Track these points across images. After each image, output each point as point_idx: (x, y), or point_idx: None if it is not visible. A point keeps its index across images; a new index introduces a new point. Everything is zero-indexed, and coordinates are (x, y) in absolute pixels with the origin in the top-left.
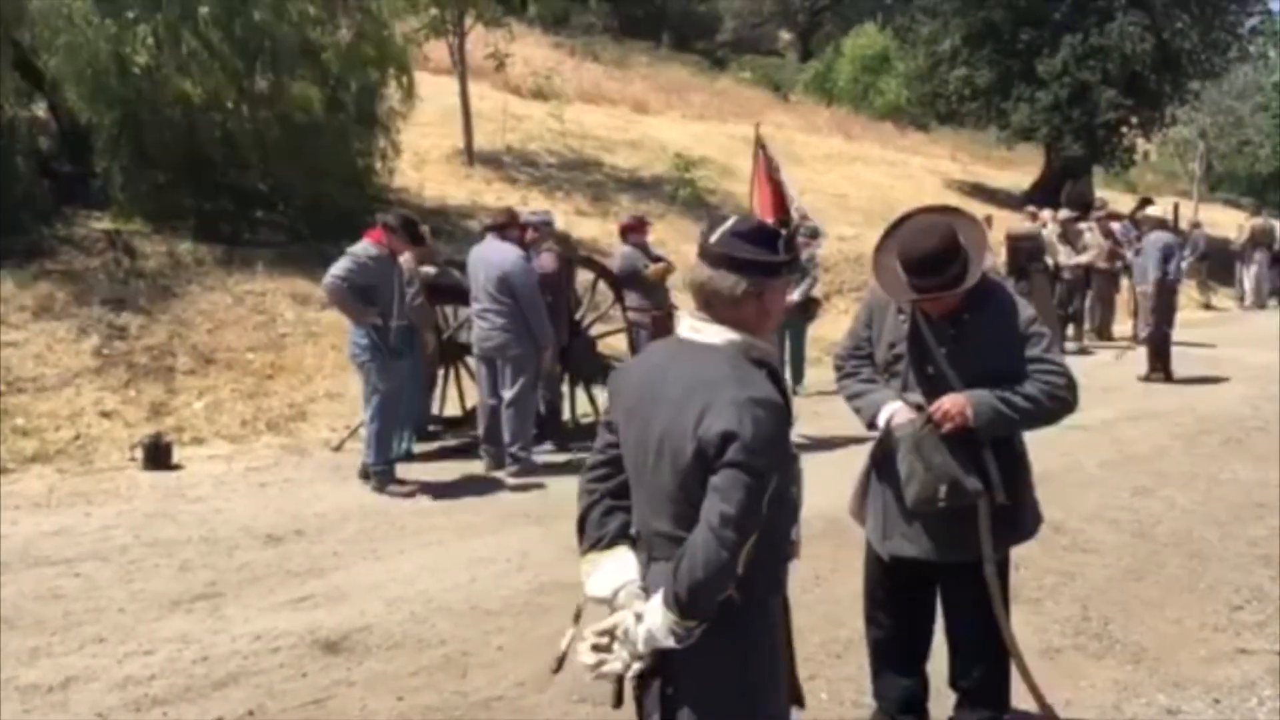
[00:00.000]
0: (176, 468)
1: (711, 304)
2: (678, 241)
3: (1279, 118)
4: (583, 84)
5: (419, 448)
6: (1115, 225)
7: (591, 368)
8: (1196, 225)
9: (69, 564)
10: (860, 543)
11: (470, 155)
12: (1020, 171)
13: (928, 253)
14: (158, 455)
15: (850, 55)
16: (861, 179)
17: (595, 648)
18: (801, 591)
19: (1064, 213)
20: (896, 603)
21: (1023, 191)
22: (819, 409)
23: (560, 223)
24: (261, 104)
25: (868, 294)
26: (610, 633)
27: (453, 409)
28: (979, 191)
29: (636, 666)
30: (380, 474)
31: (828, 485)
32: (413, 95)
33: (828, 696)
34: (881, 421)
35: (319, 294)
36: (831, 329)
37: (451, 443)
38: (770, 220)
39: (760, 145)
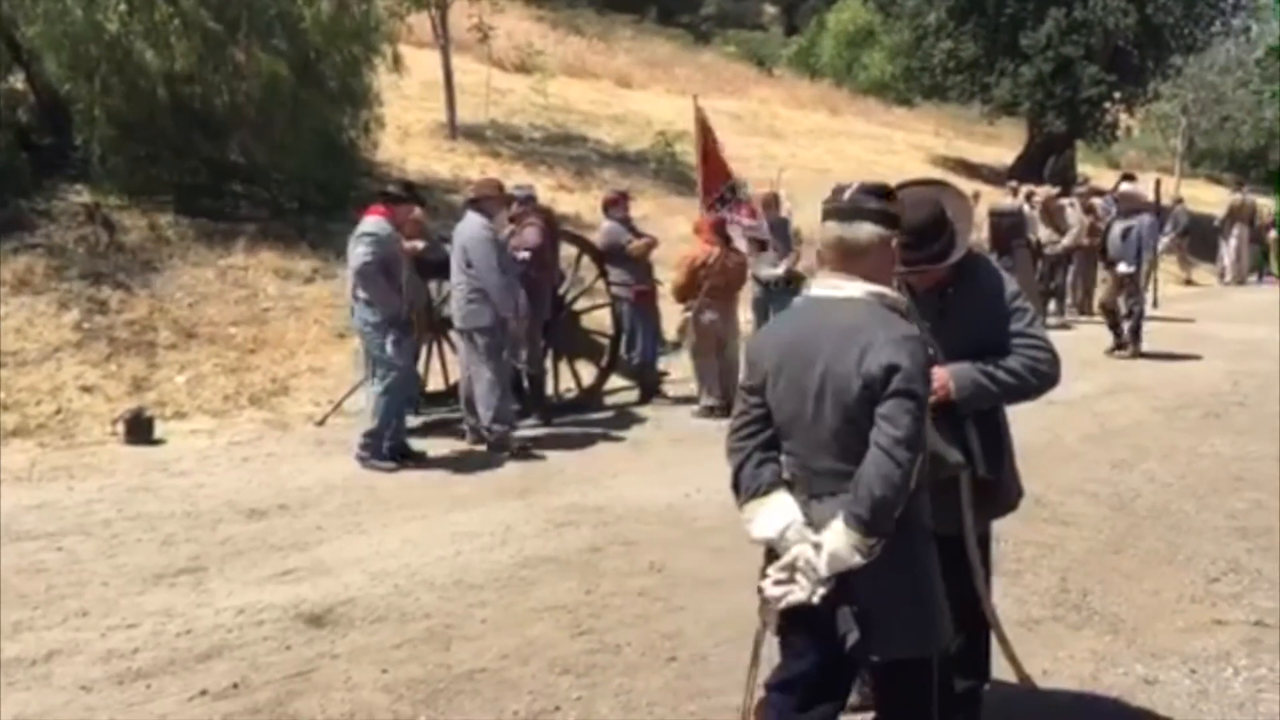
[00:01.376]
0: (159, 442)
1: (848, 256)
2: (661, 216)
3: (1260, 94)
4: (566, 57)
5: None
6: (1097, 201)
7: (575, 342)
8: (1179, 201)
9: (51, 538)
10: None
11: (453, 129)
12: (1004, 146)
13: (915, 225)
14: (139, 430)
15: (835, 29)
16: (845, 153)
17: (777, 583)
18: None
19: (1044, 189)
20: None
21: (1006, 166)
22: None
23: (543, 197)
24: (241, 76)
25: None
26: (790, 566)
27: (436, 383)
28: (962, 166)
29: (821, 591)
30: (369, 445)
31: None
32: (398, 69)
33: None
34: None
35: (301, 268)
36: None
37: (434, 416)
38: (717, 188)
39: (700, 119)
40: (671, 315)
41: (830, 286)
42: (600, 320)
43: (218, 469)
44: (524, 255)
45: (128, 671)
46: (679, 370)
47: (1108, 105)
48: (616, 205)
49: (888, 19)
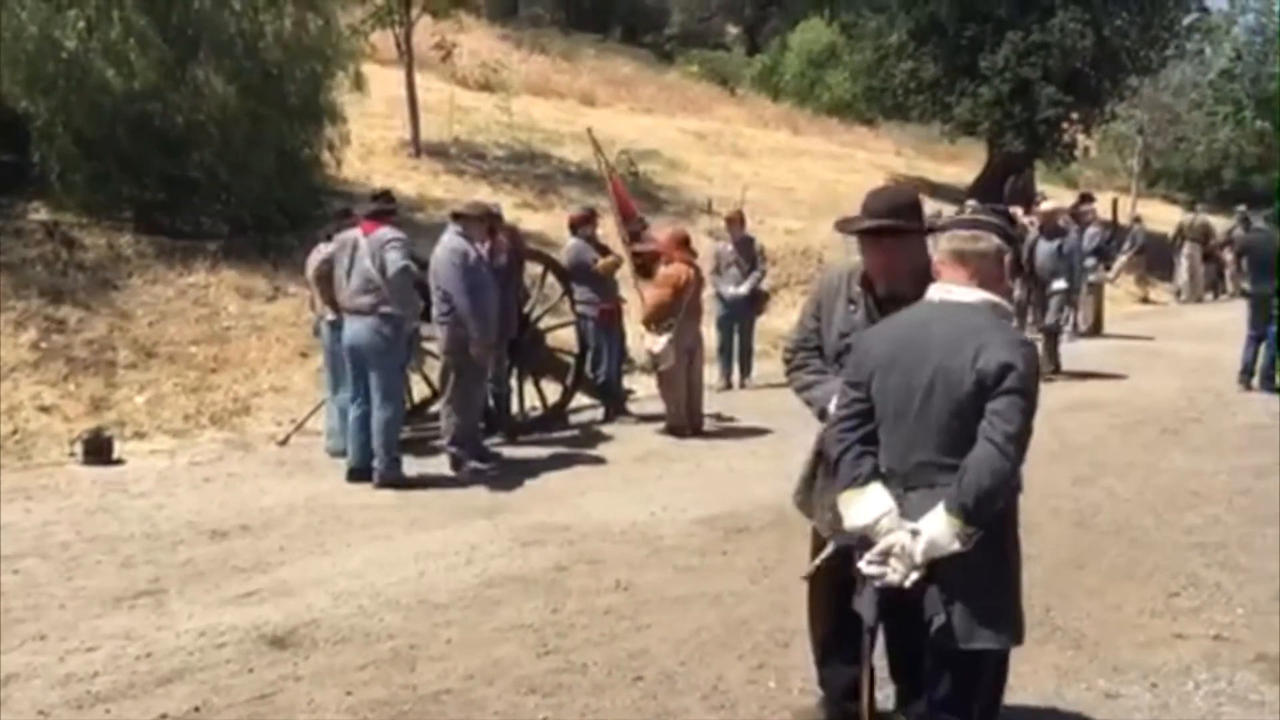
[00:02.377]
0: (118, 463)
1: (963, 263)
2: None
3: (1214, 115)
4: (530, 76)
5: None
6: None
7: (539, 361)
8: (1137, 220)
9: (8, 560)
10: (807, 533)
11: (417, 147)
12: (964, 166)
13: (890, 193)
14: (98, 450)
15: (797, 50)
16: (808, 173)
17: (872, 563)
18: (749, 582)
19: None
20: (847, 592)
21: (967, 186)
22: (767, 402)
23: (507, 216)
24: (201, 93)
25: (816, 286)
26: (887, 551)
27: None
28: (923, 186)
29: (914, 576)
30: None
31: (774, 478)
32: (360, 86)
33: (775, 685)
34: (832, 410)
35: (263, 286)
36: (779, 321)
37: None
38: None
39: (598, 151)
40: (640, 334)
41: (945, 290)
42: (565, 339)
43: (178, 489)
44: None
45: (86, 696)
46: (643, 388)
47: (1065, 126)
48: (585, 224)
49: (850, 39)
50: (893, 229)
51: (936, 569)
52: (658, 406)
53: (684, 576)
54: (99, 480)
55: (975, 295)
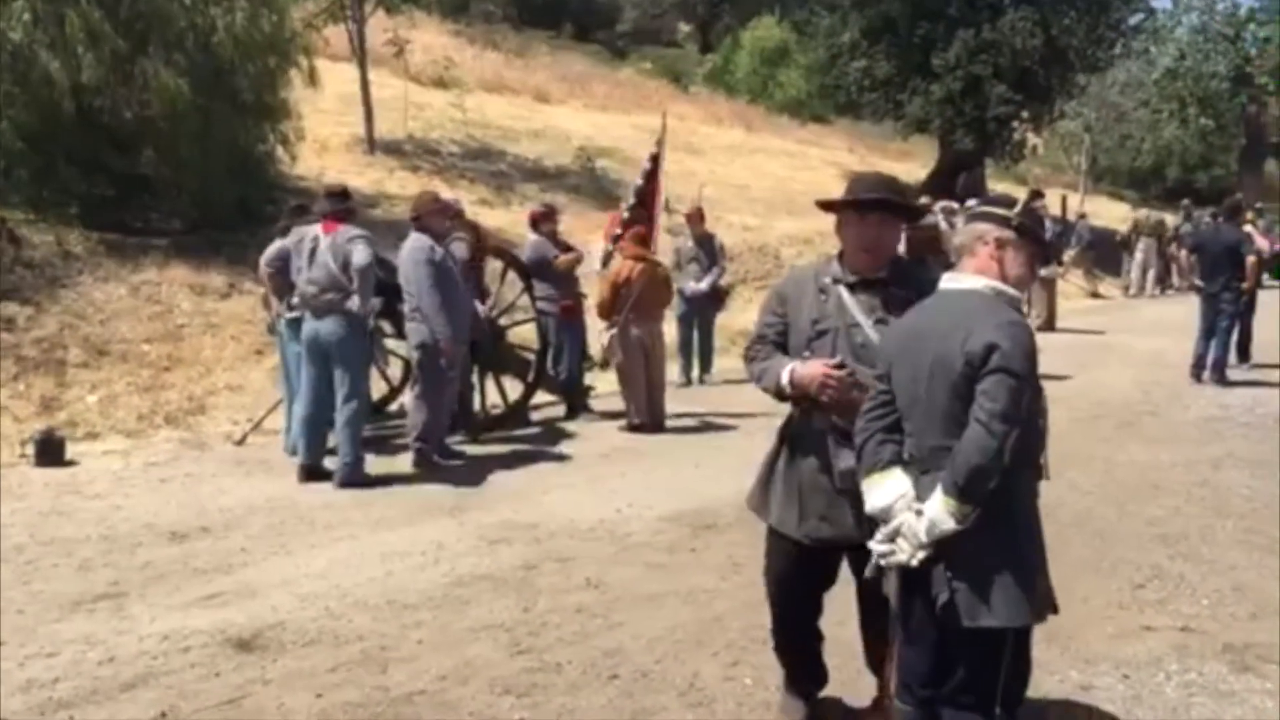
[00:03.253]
0: (71, 464)
1: (972, 254)
2: (583, 231)
3: (1159, 113)
4: (484, 73)
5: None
6: None
7: (501, 358)
8: (1083, 216)
9: None
10: None
11: (371, 143)
12: (916, 163)
13: (877, 175)
14: (50, 451)
15: (749, 48)
16: (762, 170)
17: (882, 542)
18: (720, 579)
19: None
20: (810, 587)
21: (918, 183)
22: (728, 398)
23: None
24: (150, 88)
25: (780, 283)
26: (896, 531)
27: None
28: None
29: (920, 555)
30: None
31: (739, 474)
32: (314, 82)
33: (752, 682)
34: (785, 379)
35: (217, 283)
36: (739, 318)
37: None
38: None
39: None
40: (597, 331)
41: (952, 280)
42: (526, 336)
43: (134, 491)
44: None
45: (49, 702)
46: (605, 385)
47: (1015, 124)
48: (545, 220)
49: (802, 38)
50: (887, 203)
51: (944, 548)
52: (620, 403)
53: (654, 574)
54: (52, 482)
55: (977, 281)
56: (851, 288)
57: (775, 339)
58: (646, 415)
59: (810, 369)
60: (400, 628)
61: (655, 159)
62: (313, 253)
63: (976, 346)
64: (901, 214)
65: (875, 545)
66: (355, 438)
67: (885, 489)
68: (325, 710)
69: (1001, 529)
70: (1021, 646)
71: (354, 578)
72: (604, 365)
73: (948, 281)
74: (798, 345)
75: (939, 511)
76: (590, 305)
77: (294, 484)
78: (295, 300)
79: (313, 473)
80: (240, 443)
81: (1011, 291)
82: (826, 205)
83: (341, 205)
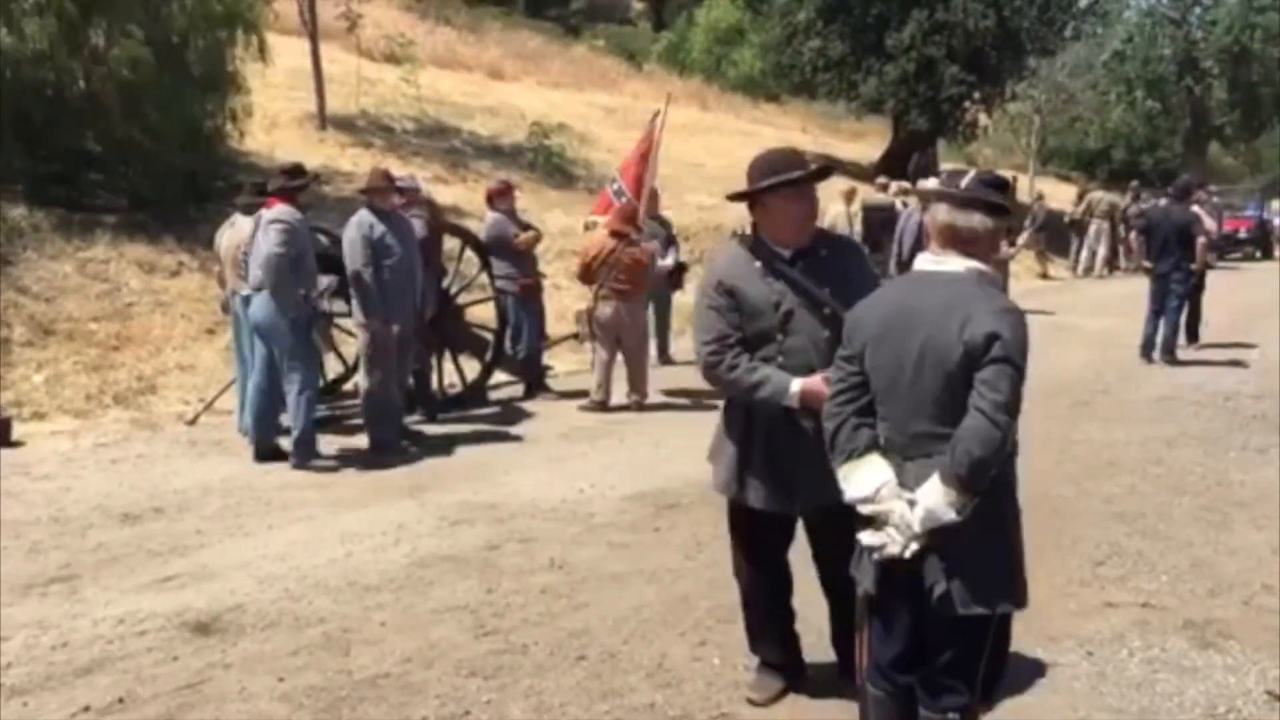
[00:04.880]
0: (17, 445)
1: (959, 240)
2: (539, 209)
3: (1106, 95)
4: (436, 49)
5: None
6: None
7: (459, 337)
8: (1039, 198)
9: None
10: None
11: (323, 119)
12: (869, 144)
13: (784, 149)
14: None
15: (704, 26)
16: (717, 148)
17: (873, 533)
18: (684, 558)
19: (896, 185)
20: (780, 553)
21: (872, 163)
22: (689, 376)
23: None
24: (98, 61)
25: (711, 274)
26: (885, 520)
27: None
28: (830, 162)
29: (914, 546)
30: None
31: (700, 453)
32: (265, 55)
33: (720, 661)
34: (795, 394)
35: (166, 261)
36: (691, 297)
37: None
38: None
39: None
40: (560, 309)
41: (933, 262)
42: (484, 314)
43: (84, 472)
44: None
45: (2, 688)
46: (563, 364)
47: (968, 105)
48: (503, 197)
49: (757, 16)
50: (820, 174)
51: (934, 537)
52: (578, 383)
53: (618, 554)
54: None
55: (962, 265)
56: (792, 262)
57: (738, 339)
58: (603, 398)
59: (821, 388)
60: (362, 609)
61: (648, 140)
62: (255, 233)
63: (978, 335)
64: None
65: (865, 538)
66: (305, 419)
67: (865, 477)
68: (287, 694)
69: (990, 515)
70: (1003, 631)
71: (313, 559)
72: (576, 338)
73: (929, 264)
74: (764, 330)
75: (937, 502)
76: (548, 284)
77: (249, 464)
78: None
79: (268, 452)
80: (192, 423)
81: (993, 273)
82: (767, 189)
83: (289, 184)
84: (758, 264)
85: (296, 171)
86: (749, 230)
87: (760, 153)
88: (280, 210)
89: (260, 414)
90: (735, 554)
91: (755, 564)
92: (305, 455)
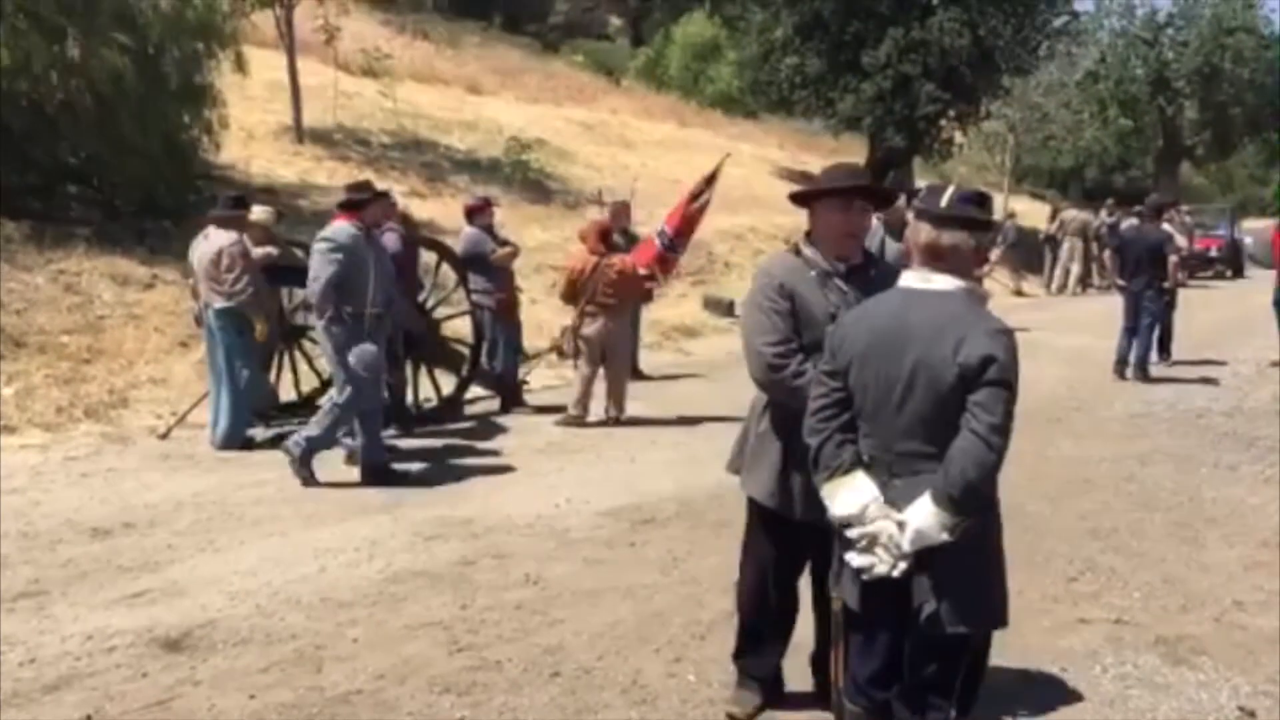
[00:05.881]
0: None
1: (941, 257)
2: (518, 224)
3: (1080, 114)
4: (414, 63)
5: (259, 434)
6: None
7: (434, 352)
8: (1010, 216)
9: None
10: (713, 524)
11: (300, 132)
12: (845, 161)
13: (849, 165)
14: None
15: (681, 42)
16: (694, 164)
17: (860, 553)
18: (660, 574)
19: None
20: (798, 573)
21: None
22: (664, 393)
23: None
24: (74, 72)
25: (769, 275)
26: (872, 539)
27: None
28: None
29: (902, 566)
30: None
31: (676, 468)
32: (242, 68)
33: (695, 678)
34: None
35: (139, 274)
36: (670, 312)
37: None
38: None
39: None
40: (536, 324)
41: (921, 279)
42: (459, 329)
43: (54, 486)
44: None
45: None
46: (539, 379)
47: (943, 122)
48: (481, 212)
49: (734, 33)
50: (869, 190)
51: (922, 556)
52: (554, 398)
53: (593, 569)
54: None
55: (951, 283)
56: (844, 276)
57: (798, 346)
58: (581, 412)
59: None
60: (335, 626)
61: (702, 193)
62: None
63: (973, 358)
64: (876, 200)
65: (853, 558)
66: (339, 422)
67: (851, 495)
68: (259, 712)
69: (976, 536)
70: (983, 647)
71: (286, 575)
72: (560, 354)
73: (917, 281)
74: (818, 340)
75: (928, 522)
76: (525, 300)
77: (221, 479)
78: None
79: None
80: (164, 437)
81: (982, 290)
82: (812, 194)
83: (355, 197)
84: (813, 274)
85: (363, 187)
86: (799, 242)
87: (835, 162)
88: (335, 228)
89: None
90: (752, 565)
91: (777, 577)
92: (376, 472)
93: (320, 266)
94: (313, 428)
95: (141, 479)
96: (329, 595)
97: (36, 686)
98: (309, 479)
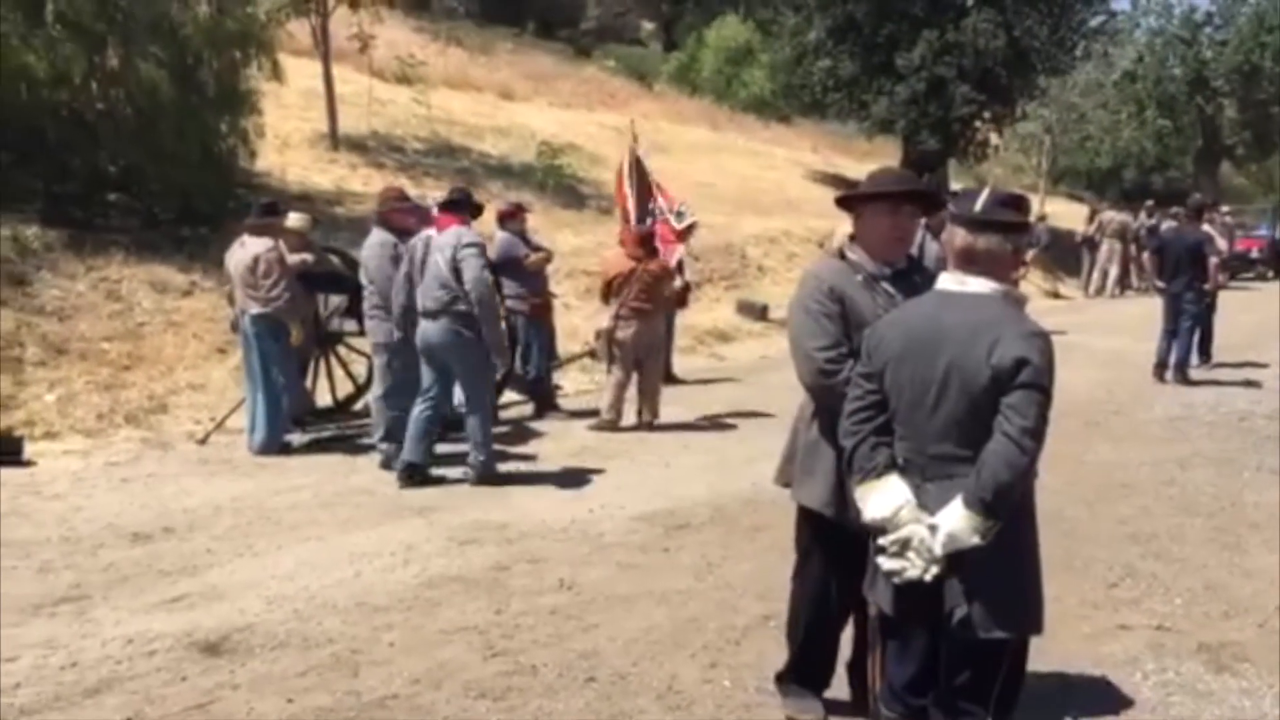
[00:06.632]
0: (29, 464)
1: (976, 261)
2: (549, 229)
3: (1118, 114)
4: (447, 69)
5: (296, 439)
6: None
7: None
8: (1041, 218)
9: None
10: (748, 529)
11: (335, 139)
12: (878, 163)
13: (899, 170)
14: (8, 450)
15: (714, 46)
16: (727, 169)
17: (891, 557)
18: (694, 579)
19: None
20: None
21: None
22: (698, 397)
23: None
24: (113, 81)
25: (818, 278)
26: (905, 544)
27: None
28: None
29: (934, 570)
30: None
31: (709, 473)
32: (278, 75)
33: (730, 684)
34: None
35: (178, 281)
36: (702, 316)
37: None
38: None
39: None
40: (569, 329)
41: (956, 282)
42: None
43: (95, 491)
44: None
45: (10, 708)
46: (572, 383)
47: (978, 124)
48: (512, 218)
49: (767, 37)
50: (917, 194)
51: (954, 560)
52: (587, 402)
53: (628, 574)
54: (10, 482)
55: (987, 285)
56: (892, 280)
57: (851, 350)
58: (614, 417)
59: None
60: (371, 630)
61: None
62: (425, 254)
63: (1006, 359)
64: (925, 204)
65: (885, 562)
66: (487, 437)
67: (884, 498)
68: (296, 715)
69: (1009, 539)
70: (1019, 654)
71: (322, 579)
72: (592, 357)
73: (952, 284)
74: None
75: (960, 526)
76: (559, 304)
77: (259, 484)
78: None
79: (415, 471)
80: (203, 442)
81: (1017, 293)
82: (861, 198)
83: (454, 200)
84: (859, 277)
85: (463, 195)
86: (844, 245)
87: (882, 167)
88: (472, 233)
89: (421, 436)
90: (811, 576)
91: (840, 586)
92: (489, 472)
93: (480, 268)
94: (480, 449)
95: (181, 484)
96: (365, 600)
97: (78, 690)
98: (496, 477)
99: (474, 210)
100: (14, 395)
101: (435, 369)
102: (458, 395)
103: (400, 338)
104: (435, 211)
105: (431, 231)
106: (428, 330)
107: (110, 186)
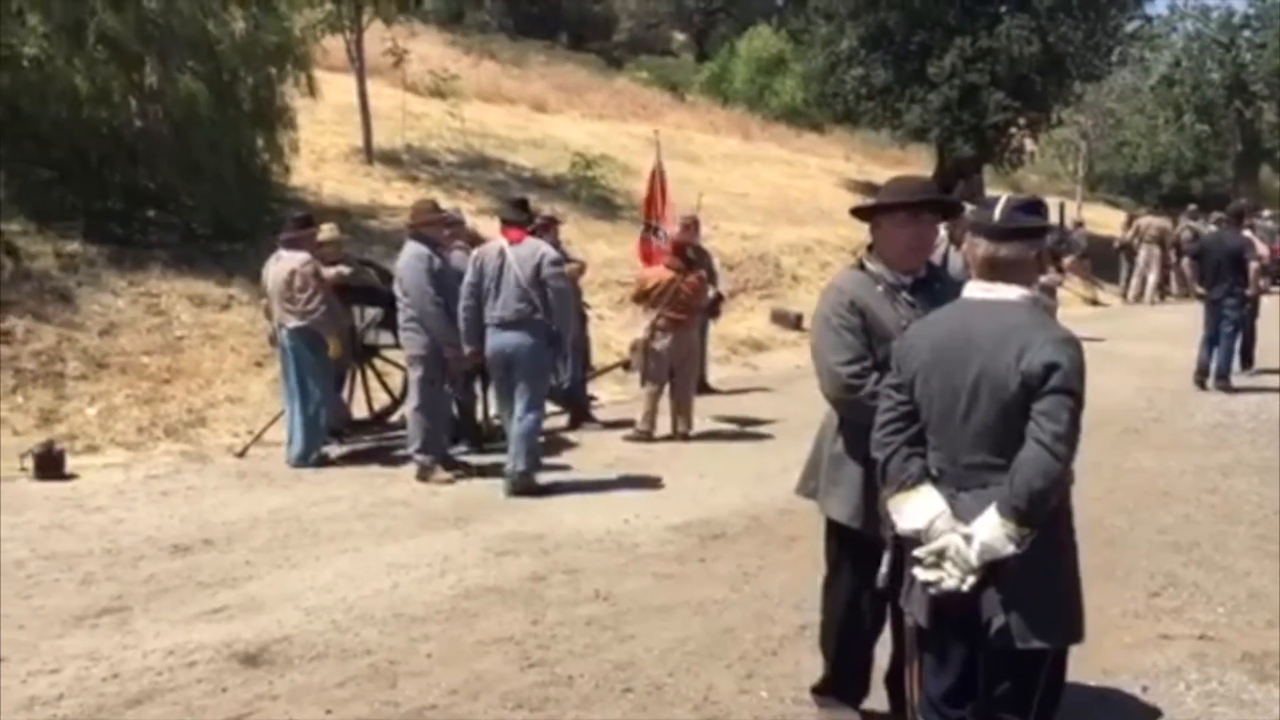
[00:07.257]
0: (70, 477)
1: (1000, 269)
2: (582, 240)
3: (1154, 119)
4: (481, 82)
5: (333, 451)
6: None
7: None
8: (1079, 225)
9: None
10: (783, 539)
11: (369, 153)
12: (913, 172)
13: (918, 178)
14: (50, 464)
15: (746, 56)
16: (761, 178)
17: (929, 567)
18: (730, 590)
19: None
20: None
21: None
22: (732, 407)
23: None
24: (151, 99)
25: (840, 290)
26: (941, 555)
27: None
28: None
29: (971, 580)
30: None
31: (744, 483)
32: (314, 91)
33: (767, 694)
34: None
35: (216, 295)
36: (736, 326)
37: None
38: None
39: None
40: (603, 340)
41: (984, 289)
42: None
43: (135, 504)
44: None
45: (52, 719)
46: (607, 394)
47: (1013, 131)
48: (545, 230)
49: (799, 46)
50: (937, 203)
51: (991, 570)
52: (622, 413)
53: (664, 585)
54: (52, 495)
55: (1014, 292)
56: (912, 290)
57: (875, 363)
58: (649, 427)
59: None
60: (409, 641)
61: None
62: (500, 266)
63: (1035, 365)
64: (944, 211)
65: (921, 573)
66: (534, 444)
67: (918, 508)
68: None
69: (1046, 548)
70: (1059, 664)
71: (360, 590)
72: (625, 368)
73: (980, 291)
74: (889, 355)
75: (995, 535)
76: (592, 316)
77: (297, 496)
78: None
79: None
80: (241, 455)
81: (1046, 299)
82: (879, 208)
83: (517, 216)
84: (879, 288)
85: (523, 204)
86: (863, 256)
87: (898, 175)
88: (553, 250)
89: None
90: (842, 589)
91: (870, 599)
92: (529, 480)
93: (566, 288)
94: (523, 458)
95: (220, 496)
96: (402, 610)
97: (120, 701)
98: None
99: (530, 219)
100: (56, 409)
101: (503, 377)
102: (493, 407)
103: (433, 350)
104: (497, 224)
105: (503, 242)
106: (505, 340)
107: (149, 203)
